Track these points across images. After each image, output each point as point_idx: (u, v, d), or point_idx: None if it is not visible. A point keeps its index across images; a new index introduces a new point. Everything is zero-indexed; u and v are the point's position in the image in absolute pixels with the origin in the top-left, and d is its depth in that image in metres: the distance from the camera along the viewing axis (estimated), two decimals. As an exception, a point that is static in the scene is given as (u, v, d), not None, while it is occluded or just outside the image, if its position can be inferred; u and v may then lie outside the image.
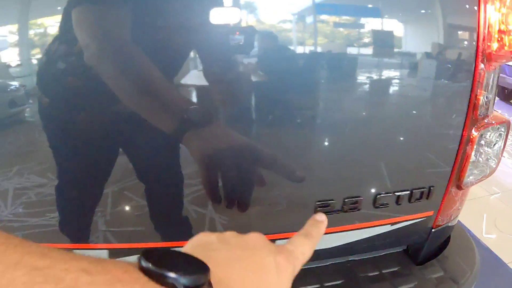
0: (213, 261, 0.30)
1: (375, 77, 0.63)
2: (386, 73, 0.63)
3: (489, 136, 0.78)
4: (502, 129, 0.78)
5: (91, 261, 0.24)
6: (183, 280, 0.25)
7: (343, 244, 0.74)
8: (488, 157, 0.81)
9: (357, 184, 0.67)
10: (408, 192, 0.69)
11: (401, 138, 0.67)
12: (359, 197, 0.66)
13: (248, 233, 0.37)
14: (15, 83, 0.54)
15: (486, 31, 0.61)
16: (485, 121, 0.72)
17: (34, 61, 0.51)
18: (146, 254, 0.26)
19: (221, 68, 0.55)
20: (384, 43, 0.61)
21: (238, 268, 0.33)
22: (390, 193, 0.68)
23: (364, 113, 0.64)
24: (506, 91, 5.46)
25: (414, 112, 0.66)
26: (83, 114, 0.55)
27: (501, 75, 5.14)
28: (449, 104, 0.67)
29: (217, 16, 0.51)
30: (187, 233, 0.64)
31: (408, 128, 0.67)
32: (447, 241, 0.94)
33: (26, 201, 0.60)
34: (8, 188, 0.59)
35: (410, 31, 0.61)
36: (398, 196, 0.69)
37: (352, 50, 0.59)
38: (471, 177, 0.79)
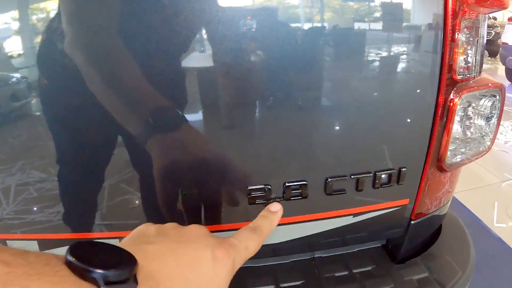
0: (144, 254, 0.30)
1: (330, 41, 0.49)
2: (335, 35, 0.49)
3: (481, 105, 0.64)
4: (495, 95, 0.63)
5: (13, 253, 0.24)
6: (106, 274, 0.25)
7: (300, 238, 0.61)
8: (480, 131, 0.66)
9: (300, 166, 0.53)
10: (371, 175, 0.55)
11: (357, 109, 0.53)
12: (302, 181, 0.52)
13: (189, 225, 0.36)
14: (16, 76, 0.51)
15: None
16: (470, 83, 0.57)
17: (35, 53, 0.47)
18: (73, 247, 0.26)
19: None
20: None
21: (170, 261, 0.31)
22: (345, 176, 0.54)
23: (310, 77, 0.50)
24: (517, 74, 5.21)
25: (373, 74, 0.52)
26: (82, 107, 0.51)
27: (511, 57, 4.92)
28: (417, 64, 0.52)
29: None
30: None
31: (366, 96, 0.53)
32: (436, 235, 0.80)
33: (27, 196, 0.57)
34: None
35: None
36: (357, 180, 0.55)
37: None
38: (458, 156, 0.64)
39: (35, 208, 0.57)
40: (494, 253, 2.17)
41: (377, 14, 0.48)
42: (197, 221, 0.55)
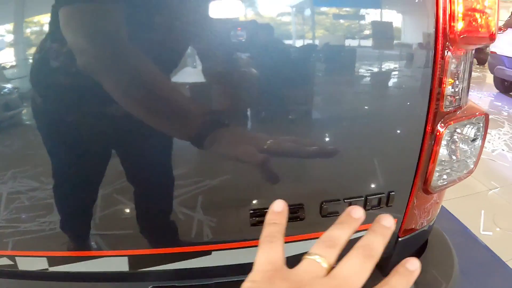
0: None
1: (322, 64, 0.53)
2: (332, 63, 0.53)
3: (465, 132, 0.68)
4: (480, 123, 0.67)
5: None
6: None
7: (295, 255, 0.65)
8: (465, 155, 0.70)
9: (298, 190, 0.57)
10: (361, 199, 0.59)
11: (352, 137, 0.57)
12: (300, 205, 0.56)
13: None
14: (8, 86, 0.53)
15: (448, 8, 0.51)
16: (457, 114, 0.62)
17: (28, 63, 0.49)
18: None
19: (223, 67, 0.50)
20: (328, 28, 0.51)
21: None
22: (338, 200, 0.58)
23: (306, 108, 0.54)
24: (506, 83, 5.30)
25: (367, 106, 0.56)
26: (77, 116, 0.54)
27: (499, 67, 5.03)
28: (408, 96, 0.57)
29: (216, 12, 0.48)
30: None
31: (361, 125, 0.57)
32: (422, 249, 0.84)
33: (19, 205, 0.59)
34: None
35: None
36: (349, 203, 0.59)
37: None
38: (442, 180, 0.69)
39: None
40: (480, 261, 2.24)
41: (375, 53, 0.52)
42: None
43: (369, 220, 0.57)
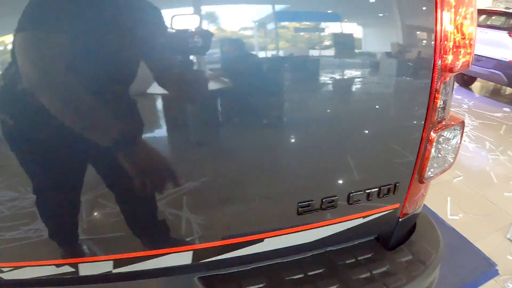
0: None
1: (349, 92, 0.71)
2: (362, 93, 0.71)
3: (447, 135, 0.89)
4: (458, 128, 0.88)
5: None
6: None
7: (324, 237, 0.83)
8: (446, 153, 0.91)
9: (332, 185, 0.76)
10: (377, 189, 0.78)
11: (369, 145, 0.76)
12: (334, 196, 0.75)
13: None
14: None
15: (442, 45, 0.70)
16: (443, 123, 0.82)
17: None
18: None
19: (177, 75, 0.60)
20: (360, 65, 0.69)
21: None
22: (361, 191, 0.77)
23: (339, 124, 0.72)
24: (465, 77, 5.77)
25: (380, 121, 0.75)
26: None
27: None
28: (410, 112, 0.76)
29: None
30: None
31: (374, 136, 0.76)
32: (413, 228, 1.05)
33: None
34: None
35: (380, 50, 0.69)
36: (369, 193, 0.78)
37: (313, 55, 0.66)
38: (430, 172, 0.89)
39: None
40: (449, 242, 2.52)
41: (392, 81, 0.71)
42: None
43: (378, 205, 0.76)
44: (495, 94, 7.20)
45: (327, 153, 0.73)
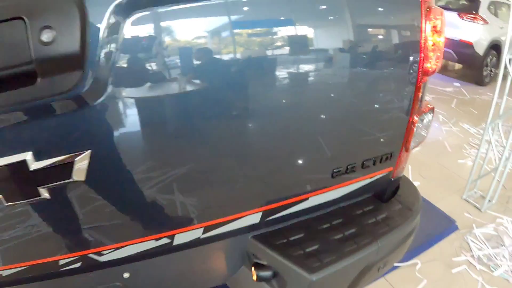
0: None
1: (355, 86, 1.03)
2: (367, 93, 1.04)
3: (423, 118, 1.25)
4: (430, 113, 1.25)
5: None
6: None
7: (344, 194, 1.18)
8: (422, 130, 1.28)
9: (353, 155, 1.10)
10: (380, 157, 1.13)
11: (375, 126, 1.10)
12: (354, 163, 1.09)
13: None
14: None
15: (424, 54, 1.04)
16: (421, 109, 1.18)
17: None
18: None
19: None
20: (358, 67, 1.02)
21: None
22: (371, 158, 1.12)
23: (359, 115, 1.06)
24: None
25: (382, 110, 1.10)
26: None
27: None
28: (402, 103, 1.11)
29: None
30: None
31: (378, 120, 1.10)
32: (399, 186, 1.42)
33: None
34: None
35: (381, 57, 1.02)
36: (374, 160, 1.13)
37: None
38: (413, 144, 1.25)
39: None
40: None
41: (392, 79, 1.05)
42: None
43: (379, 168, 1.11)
44: (446, 70, 7.87)
45: (351, 133, 1.07)
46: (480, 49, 6.65)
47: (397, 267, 2.52)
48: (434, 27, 1.04)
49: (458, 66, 8.00)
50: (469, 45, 6.61)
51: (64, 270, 0.93)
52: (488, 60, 6.87)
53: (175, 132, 0.82)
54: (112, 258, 0.93)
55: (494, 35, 6.71)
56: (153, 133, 0.79)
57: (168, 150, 0.84)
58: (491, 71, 7.01)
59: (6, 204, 0.76)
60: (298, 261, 1.01)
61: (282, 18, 0.83)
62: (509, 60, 2.75)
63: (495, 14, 6.87)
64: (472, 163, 3.36)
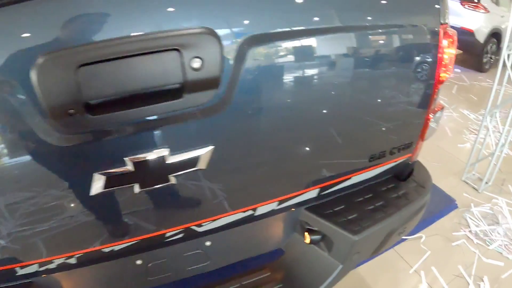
0: None
1: (386, 94, 1.35)
2: (396, 92, 1.36)
3: (436, 115, 1.57)
4: (442, 111, 1.57)
5: None
6: None
7: (375, 175, 1.50)
8: (434, 124, 1.60)
9: (384, 143, 1.41)
10: (404, 145, 1.46)
11: (402, 122, 1.42)
12: (384, 151, 1.41)
13: None
14: None
15: (440, 66, 1.35)
16: (435, 109, 1.50)
17: None
18: None
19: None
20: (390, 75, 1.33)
21: None
22: (398, 146, 1.44)
23: (394, 115, 1.37)
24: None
25: (406, 111, 1.41)
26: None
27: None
28: (422, 104, 1.42)
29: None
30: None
31: (404, 118, 1.41)
32: (413, 168, 1.75)
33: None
34: None
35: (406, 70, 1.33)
36: (399, 148, 1.45)
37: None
38: (427, 135, 1.57)
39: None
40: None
41: (415, 84, 1.36)
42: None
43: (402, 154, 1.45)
44: (447, 57, 8.07)
45: (384, 128, 1.37)
46: (481, 37, 6.91)
47: (404, 239, 2.87)
48: (449, 44, 1.34)
49: (458, 52, 8.26)
50: (470, 33, 6.86)
51: (167, 241, 1.14)
52: (488, 47, 7.13)
53: (270, 136, 1.10)
54: (207, 229, 1.18)
55: (494, 23, 6.96)
56: (260, 133, 1.08)
57: (264, 148, 1.12)
58: (490, 58, 7.27)
59: (139, 190, 0.95)
60: (343, 226, 1.35)
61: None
62: (508, 56, 3.03)
63: (496, 3, 7.10)
64: (471, 147, 3.66)
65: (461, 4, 6.92)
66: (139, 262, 1.25)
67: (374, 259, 2.62)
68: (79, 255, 1.05)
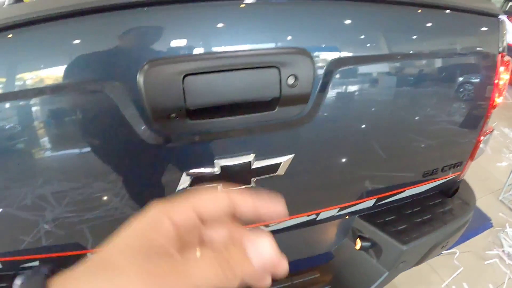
0: None
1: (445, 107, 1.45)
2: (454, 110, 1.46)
3: (485, 137, 1.66)
4: (490, 133, 1.66)
5: None
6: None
7: (426, 189, 1.61)
8: (483, 145, 1.69)
9: (437, 161, 1.52)
10: (455, 164, 1.56)
11: (455, 144, 1.52)
12: (436, 168, 1.52)
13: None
14: None
15: (495, 92, 1.44)
16: (486, 132, 1.59)
17: None
18: None
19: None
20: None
21: None
22: (449, 165, 1.54)
23: (451, 135, 1.48)
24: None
25: (460, 133, 1.50)
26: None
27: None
28: (475, 127, 1.52)
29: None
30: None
31: (458, 140, 1.51)
32: (459, 186, 1.84)
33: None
34: None
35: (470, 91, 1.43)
36: (450, 166, 1.55)
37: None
38: (476, 155, 1.66)
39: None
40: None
41: (478, 107, 1.47)
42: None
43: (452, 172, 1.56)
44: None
45: (439, 148, 1.48)
46: (527, 54, 6.73)
47: (438, 254, 2.92)
48: (505, 69, 1.44)
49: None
50: (517, 50, 6.70)
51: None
52: (532, 66, 6.94)
53: (343, 148, 1.24)
54: (272, 229, 1.25)
55: (541, 41, 6.77)
56: (335, 146, 1.21)
57: (336, 159, 1.24)
58: (534, 76, 7.07)
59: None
60: (393, 235, 1.46)
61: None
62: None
63: (545, 19, 6.92)
64: (510, 166, 3.66)
65: (509, 18, 6.76)
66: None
67: (409, 270, 2.69)
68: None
